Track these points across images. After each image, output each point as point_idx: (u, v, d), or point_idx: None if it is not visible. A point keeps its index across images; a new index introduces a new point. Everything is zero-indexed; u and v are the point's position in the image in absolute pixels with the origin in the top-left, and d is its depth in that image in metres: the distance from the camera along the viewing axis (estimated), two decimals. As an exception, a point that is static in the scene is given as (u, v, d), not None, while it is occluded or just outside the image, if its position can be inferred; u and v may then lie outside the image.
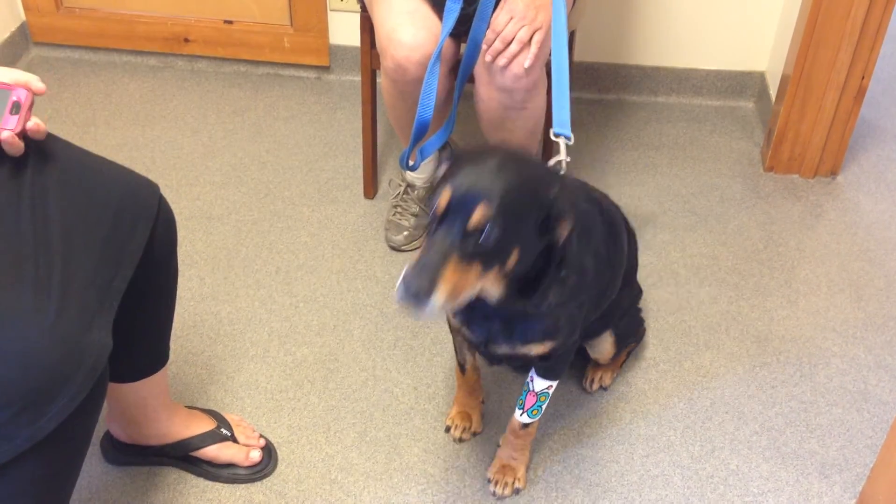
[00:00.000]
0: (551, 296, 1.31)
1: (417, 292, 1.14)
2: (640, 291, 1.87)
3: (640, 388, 1.87)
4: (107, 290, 1.23)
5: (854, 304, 2.08)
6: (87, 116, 2.63)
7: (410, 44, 1.79)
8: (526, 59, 1.72)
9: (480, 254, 1.18)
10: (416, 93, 1.87)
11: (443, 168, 1.26)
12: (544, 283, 1.28)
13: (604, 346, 1.75)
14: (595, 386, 1.87)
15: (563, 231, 1.24)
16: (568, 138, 1.49)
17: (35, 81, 1.21)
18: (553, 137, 1.51)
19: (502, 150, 1.28)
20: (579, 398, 1.84)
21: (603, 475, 1.70)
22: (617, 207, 1.67)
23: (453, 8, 1.75)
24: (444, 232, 1.17)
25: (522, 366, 1.59)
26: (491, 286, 1.25)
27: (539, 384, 1.54)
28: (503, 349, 1.44)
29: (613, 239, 1.57)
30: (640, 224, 1.95)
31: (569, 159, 1.47)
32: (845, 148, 2.43)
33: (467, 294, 1.21)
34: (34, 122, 1.19)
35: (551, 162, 1.47)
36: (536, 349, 1.43)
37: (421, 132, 1.74)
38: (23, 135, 1.18)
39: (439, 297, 1.15)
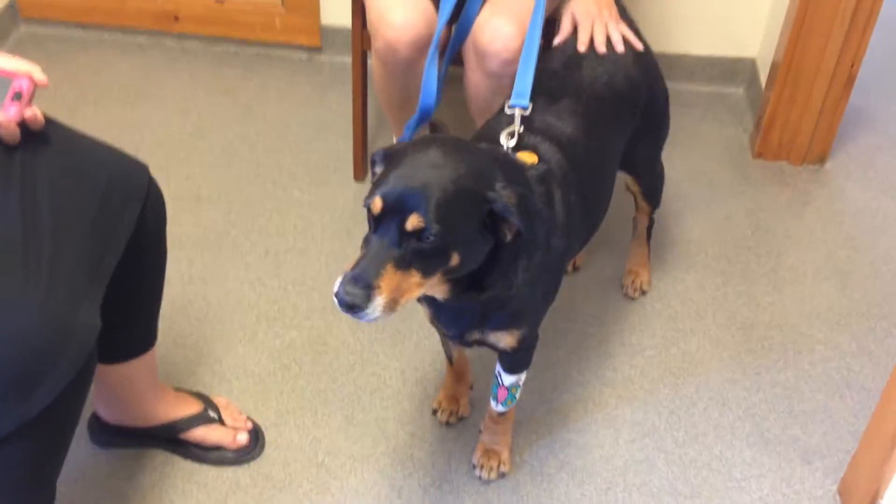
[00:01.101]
0: (519, 275, 1.29)
1: (352, 304, 1.12)
2: (665, 133, 1.86)
3: (625, 373, 1.88)
4: (95, 271, 1.23)
5: (839, 292, 2.09)
6: (75, 95, 2.61)
7: (401, 25, 1.78)
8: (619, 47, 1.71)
9: (419, 259, 1.15)
10: (406, 75, 1.86)
11: (378, 167, 1.23)
12: (495, 273, 1.26)
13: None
14: (636, 291, 1.97)
15: (509, 232, 1.21)
16: (524, 108, 1.45)
17: (37, 72, 1.22)
18: (507, 111, 1.46)
19: (440, 143, 1.21)
20: (565, 383, 1.86)
21: (588, 459, 1.71)
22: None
23: None
24: (379, 237, 1.15)
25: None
26: (435, 288, 1.24)
27: (507, 379, 1.55)
28: (475, 336, 1.43)
29: (596, 179, 1.56)
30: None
31: (521, 130, 1.43)
32: (834, 135, 2.44)
33: (409, 298, 1.18)
34: (32, 112, 1.20)
35: (505, 132, 1.42)
36: (506, 339, 1.42)
37: (423, 120, 1.74)
38: (21, 124, 1.19)
39: (376, 306, 1.13)
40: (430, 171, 1.16)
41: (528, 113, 1.46)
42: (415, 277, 1.16)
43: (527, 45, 1.56)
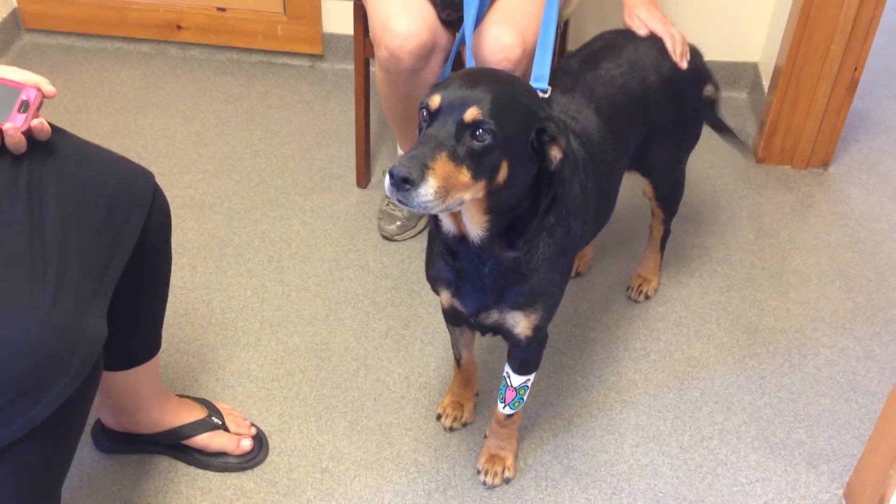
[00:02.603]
0: (541, 248, 1.32)
1: (407, 177, 1.12)
2: (690, 143, 1.87)
3: (630, 377, 1.88)
4: (101, 279, 1.24)
5: (844, 295, 2.09)
6: (79, 103, 2.62)
7: (405, 33, 1.79)
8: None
9: (471, 156, 1.17)
10: (409, 83, 1.87)
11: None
12: (531, 228, 1.29)
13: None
14: (640, 296, 1.95)
15: (557, 154, 1.24)
16: (545, 91, 1.48)
17: (45, 84, 1.23)
18: None
19: (500, 70, 1.29)
20: (569, 388, 1.85)
21: (592, 465, 1.71)
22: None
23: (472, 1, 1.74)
24: (437, 128, 1.17)
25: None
26: (475, 215, 1.25)
27: (516, 380, 1.55)
28: (493, 317, 1.43)
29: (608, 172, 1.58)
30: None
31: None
32: (837, 139, 2.44)
33: (458, 197, 1.17)
34: (39, 121, 1.21)
35: None
36: (522, 323, 1.42)
37: None
38: (28, 133, 1.20)
39: (429, 186, 1.13)
40: (489, 81, 1.20)
41: (548, 95, 1.48)
42: (465, 175, 1.17)
43: (543, 30, 1.58)
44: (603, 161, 1.53)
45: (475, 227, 1.28)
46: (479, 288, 1.39)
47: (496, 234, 1.29)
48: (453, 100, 1.17)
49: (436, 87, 1.21)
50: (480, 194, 1.21)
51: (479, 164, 1.17)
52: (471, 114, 1.16)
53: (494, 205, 1.25)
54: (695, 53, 1.76)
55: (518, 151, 1.21)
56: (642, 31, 1.73)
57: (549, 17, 1.60)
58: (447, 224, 1.32)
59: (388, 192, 1.14)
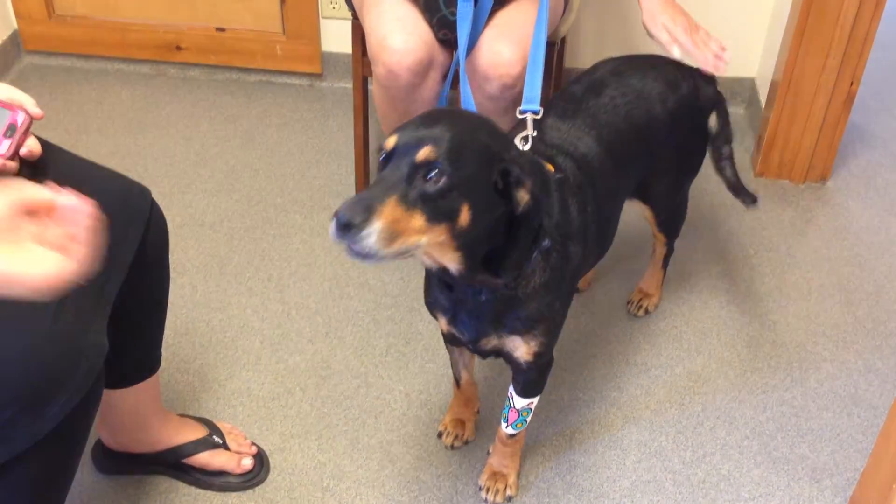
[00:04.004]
0: (537, 273, 1.28)
1: (349, 223, 1.05)
2: (691, 172, 1.86)
3: (631, 393, 1.87)
4: (100, 294, 1.24)
5: (844, 309, 2.09)
6: (79, 124, 2.63)
7: (402, 50, 1.79)
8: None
9: (425, 200, 1.10)
10: (407, 99, 1.87)
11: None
12: (512, 258, 1.23)
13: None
14: (640, 311, 1.97)
15: (524, 196, 1.18)
16: (536, 112, 1.46)
17: (31, 105, 1.20)
18: (518, 115, 1.46)
19: (463, 110, 1.25)
20: (571, 404, 1.85)
21: (595, 481, 1.70)
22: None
23: (466, 13, 1.74)
24: (390, 170, 1.11)
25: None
26: (446, 253, 1.19)
27: (519, 402, 1.54)
28: (492, 343, 1.41)
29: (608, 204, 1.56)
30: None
31: (535, 134, 1.44)
32: (835, 153, 2.44)
33: (409, 243, 1.11)
34: (28, 149, 1.19)
35: (519, 136, 1.42)
36: (522, 348, 1.40)
37: None
38: (16, 157, 1.18)
39: (373, 230, 1.06)
40: (449, 121, 1.15)
41: (539, 117, 1.46)
42: (418, 220, 1.10)
43: (533, 49, 1.57)
44: (603, 187, 1.51)
45: (448, 262, 1.23)
46: (475, 315, 1.36)
47: (474, 266, 1.24)
48: (408, 140, 1.12)
49: (395, 129, 1.16)
50: (441, 238, 1.15)
51: (435, 207, 1.11)
52: (423, 154, 1.10)
53: (462, 245, 1.19)
54: (709, 81, 1.75)
55: (480, 194, 1.15)
56: (665, 39, 1.71)
57: (539, 40, 1.58)
58: (424, 259, 1.26)
59: (332, 237, 1.08)
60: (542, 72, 1.53)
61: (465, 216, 1.14)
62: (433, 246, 1.17)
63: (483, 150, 1.16)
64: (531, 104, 1.48)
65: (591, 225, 1.45)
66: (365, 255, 1.08)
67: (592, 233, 1.47)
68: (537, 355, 1.43)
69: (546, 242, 1.27)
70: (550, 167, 1.38)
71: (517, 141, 1.42)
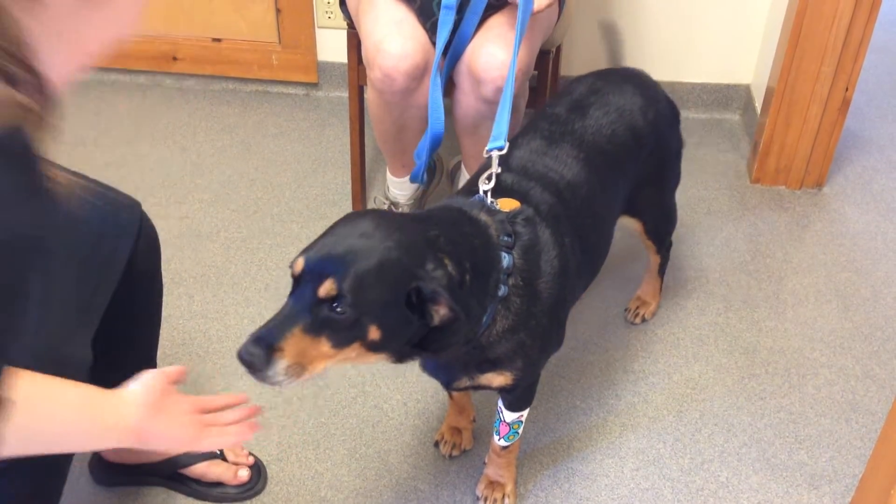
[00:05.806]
0: (497, 322, 1.26)
1: (251, 362, 1.07)
2: (674, 182, 1.87)
3: (629, 400, 1.87)
4: (87, 307, 1.24)
5: (841, 315, 2.09)
6: (75, 135, 2.63)
7: (398, 54, 1.80)
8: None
9: (330, 328, 1.10)
10: (402, 104, 1.88)
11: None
12: (443, 339, 1.19)
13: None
14: (637, 318, 1.98)
15: (439, 311, 1.14)
16: (501, 149, 1.43)
17: None
18: (485, 155, 1.43)
19: (375, 215, 1.20)
20: (568, 412, 1.84)
21: (593, 489, 1.70)
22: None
23: (447, 20, 1.76)
24: (296, 297, 1.11)
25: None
26: (361, 357, 1.16)
27: (509, 416, 1.53)
28: (466, 384, 1.40)
29: (596, 231, 1.54)
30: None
31: (499, 170, 1.40)
32: (830, 159, 2.45)
33: (319, 368, 1.12)
34: None
35: (483, 176, 1.38)
36: (497, 380, 1.38)
37: (435, 146, 1.76)
38: None
39: (278, 370, 1.08)
40: (357, 239, 1.13)
41: (504, 153, 1.43)
42: (324, 346, 1.10)
43: (505, 90, 1.54)
44: (589, 215, 1.50)
45: (372, 362, 1.20)
46: (443, 365, 1.38)
47: (403, 355, 1.21)
48: (313, 267, 1.10)
49: (303, 250, 1.14)
50: (353, 354, 1.14)
51: (340, 334, 1.11)
52: (325, 289, 1.09)
53: (381, 350, 1.16)
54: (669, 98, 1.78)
55: (389, 315, 1.13)
56: None
57: (509, 80, 1.55)
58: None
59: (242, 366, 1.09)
60: (510, 110, 1.50)
61: (374, 334, 1.13)
62: (348, 360, 1.16)
63: (392, 270, 1.12)
64: (497, 141, 1.44)
65: (571, 257, 1.41)
66: (276, 386, 1.11)
67: (574, 263, 1.43)
68: (517, 380, 1.41)
69: (502, 290, 1.25)
70: (515, 204, 1.35)
71: (481, 180, 1.37)
